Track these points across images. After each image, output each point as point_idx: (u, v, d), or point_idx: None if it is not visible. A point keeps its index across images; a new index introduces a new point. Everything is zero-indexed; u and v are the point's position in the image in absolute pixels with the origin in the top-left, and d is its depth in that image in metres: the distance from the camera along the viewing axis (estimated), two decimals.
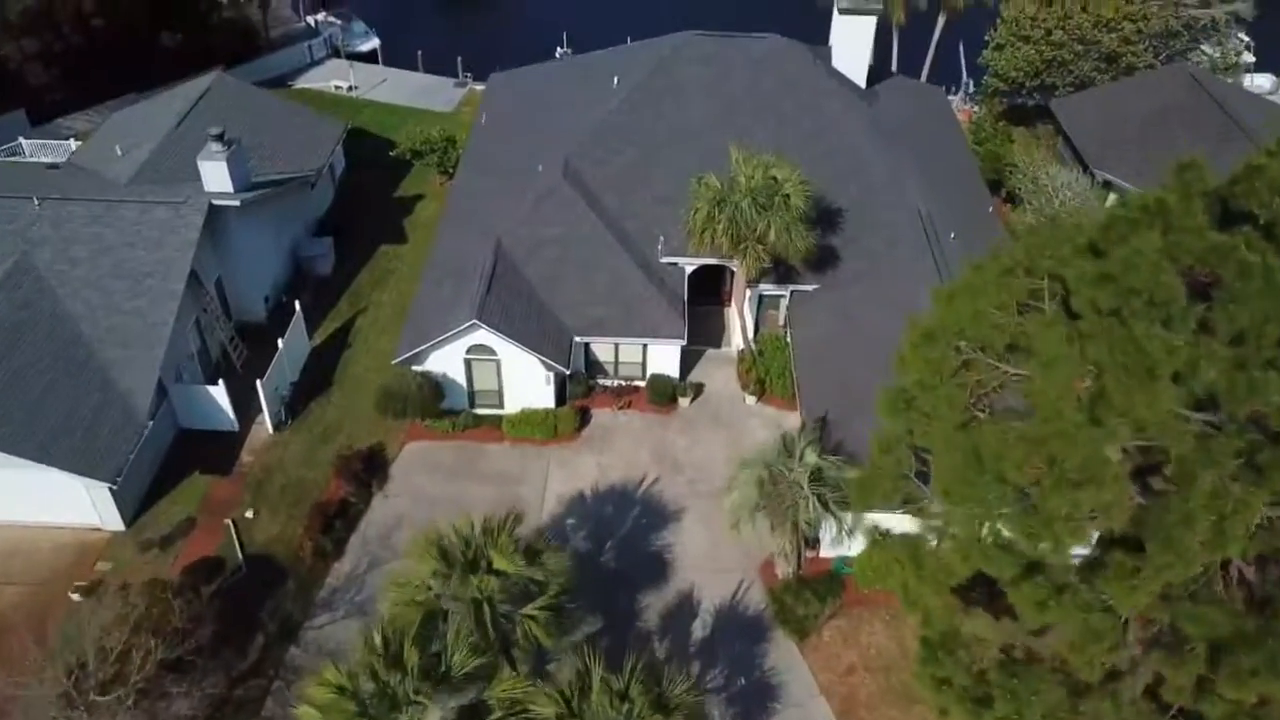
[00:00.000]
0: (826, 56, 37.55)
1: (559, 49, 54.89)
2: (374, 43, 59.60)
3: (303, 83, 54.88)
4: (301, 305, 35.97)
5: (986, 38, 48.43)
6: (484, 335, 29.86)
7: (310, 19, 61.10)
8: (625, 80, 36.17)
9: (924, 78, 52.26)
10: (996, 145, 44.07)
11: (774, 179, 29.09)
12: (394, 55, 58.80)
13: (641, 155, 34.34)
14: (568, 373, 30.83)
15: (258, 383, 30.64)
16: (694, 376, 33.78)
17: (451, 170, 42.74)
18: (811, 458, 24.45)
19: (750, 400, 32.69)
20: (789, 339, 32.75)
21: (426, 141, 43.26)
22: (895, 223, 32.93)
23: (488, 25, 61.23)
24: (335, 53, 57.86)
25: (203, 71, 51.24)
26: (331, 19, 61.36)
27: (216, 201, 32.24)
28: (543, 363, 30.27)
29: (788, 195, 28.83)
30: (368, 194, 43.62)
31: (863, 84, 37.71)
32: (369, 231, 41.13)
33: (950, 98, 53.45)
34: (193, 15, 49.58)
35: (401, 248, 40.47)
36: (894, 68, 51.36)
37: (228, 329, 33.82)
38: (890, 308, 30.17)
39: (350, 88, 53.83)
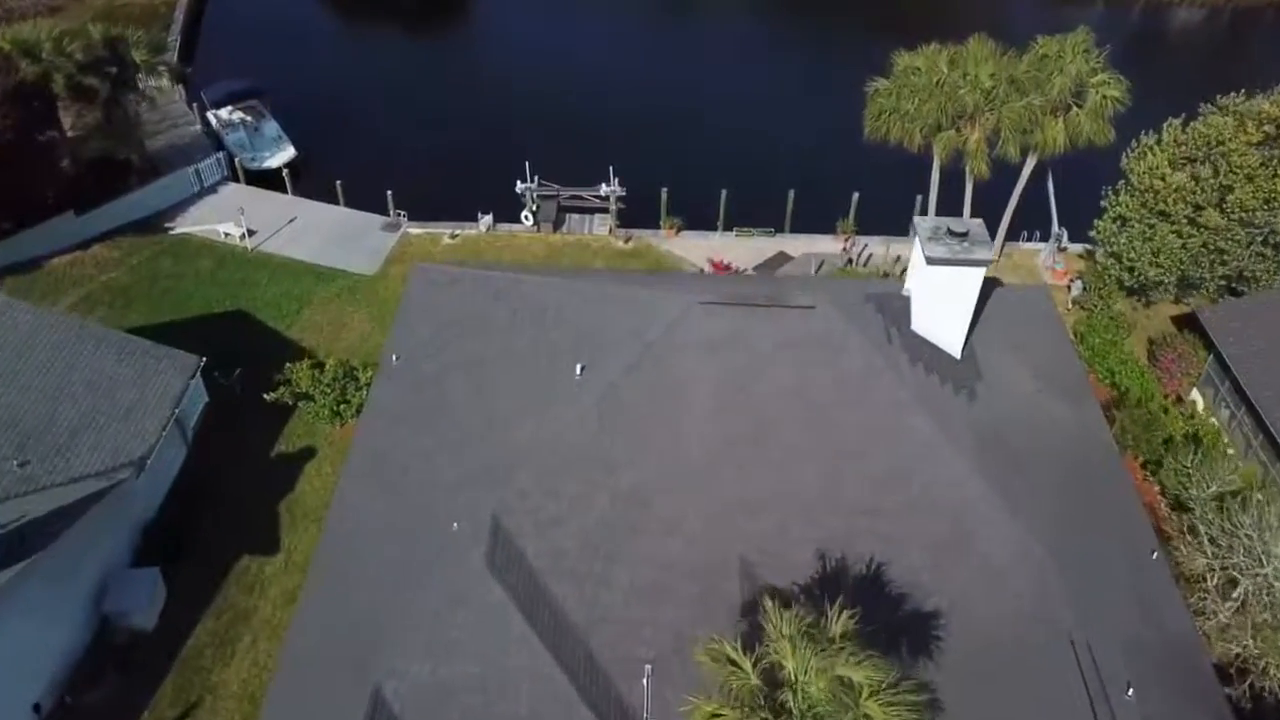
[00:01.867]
0: (901, 313, 24.46)
1: (520, 184, 41.74)
2: (288, 153, 46.28)
3: (185, 224, 41.78)
4: (100, 698, 23.35)
5: (1103, 201, 35.21)
6: None
7: (211, 116, 47.82)
8: (596, 370, 23.14)
9: (1004, 226, 39.40)
10: (1137, 384, 31.33)
11: (844, 682, 16.17)
12: (312, 167, 45.61)
13: (615, 512, 21.49)
14: None
15: None
16: None
17: (358, 409, 29.95)
18: None
19: None
20: None
21: (315, 382, 30.20)
22: (1034, 663, 20.08)
23: (435, 135, 47.88)
24: (234, 173, 44.56)
25: (45, 218, 38.78)
26: (240, 115, 48.06)
27: None
28: None
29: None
30: (234, 452, 30.65)
31: (957, 349, 24.62)
32: (226, 528, 28.30)
33: (1037, 245, 40.78)
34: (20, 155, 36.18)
35: (269, 563, 27.62)
36: (966, 213, 38.47)
37: None
38: None
39: (245, 234, 40.65)
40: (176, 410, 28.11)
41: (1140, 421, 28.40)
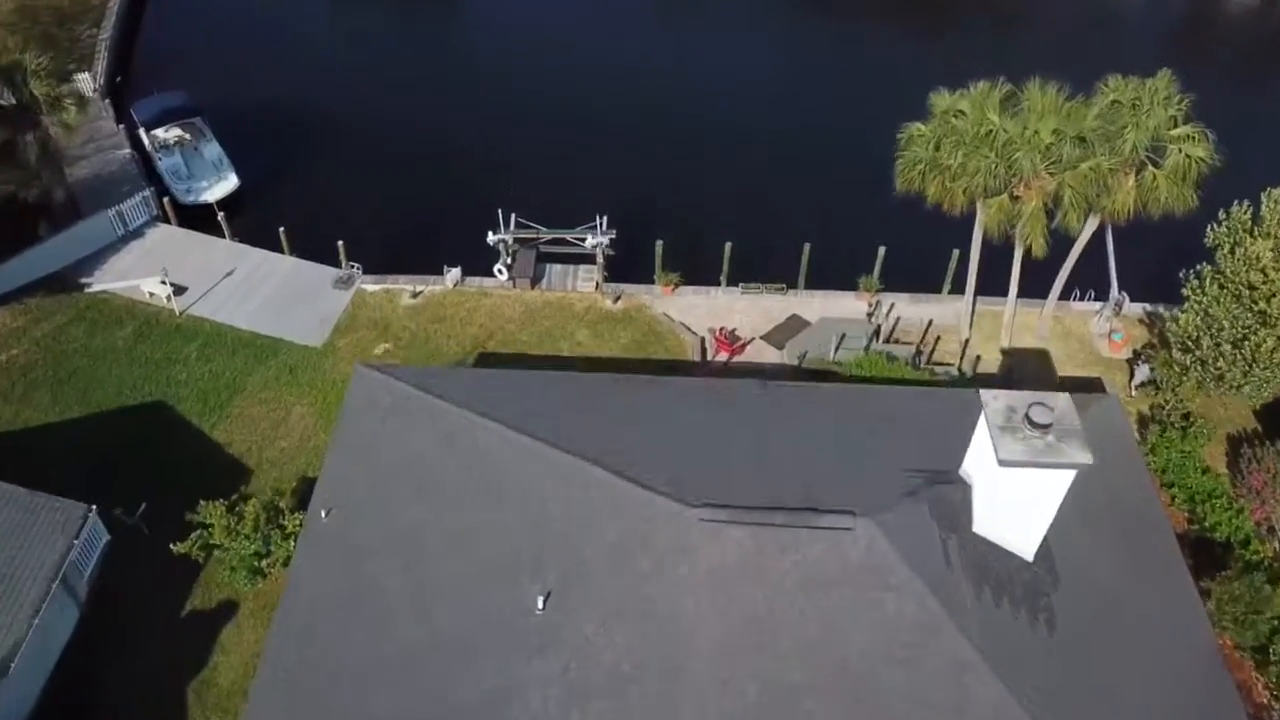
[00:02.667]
0: (960, 509, 19.01)
1: (492, 235, 35.93)
2: (229, 183, 40.42)
3: (104, 279, 36.04)
4: None
5: (1185, 289, 29.44)
6: None
7: (145, 137, 41.73)
8: (565, 604, 17.75)
9: (1056, 290, 33.73)
10: (1225, 521, 26.06)
11: None
12: (255, 201, 39.88)
13: None
14: None
15: None
16: None
17: (285, 560, 24.80)
18: None
19: None
20: None
21: (232, 533, 24.80)
22: None
23: (398, 159, 41.91)
24: (163, 213, 38.65)
25: None
26: (178, 133, 42.05)
27: None
28: None
29: None
30: (139, 609, 25.45)
31: (1030, 552, 19.23)
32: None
33: (1090, 305, 35.20)
34: None
35: None
36: (1015, 278, 32.86)
37: None
38: None
39: (170, 294, 34.91)
40: (54, 584, 22.75)
41: (1242, 600, 23.09)
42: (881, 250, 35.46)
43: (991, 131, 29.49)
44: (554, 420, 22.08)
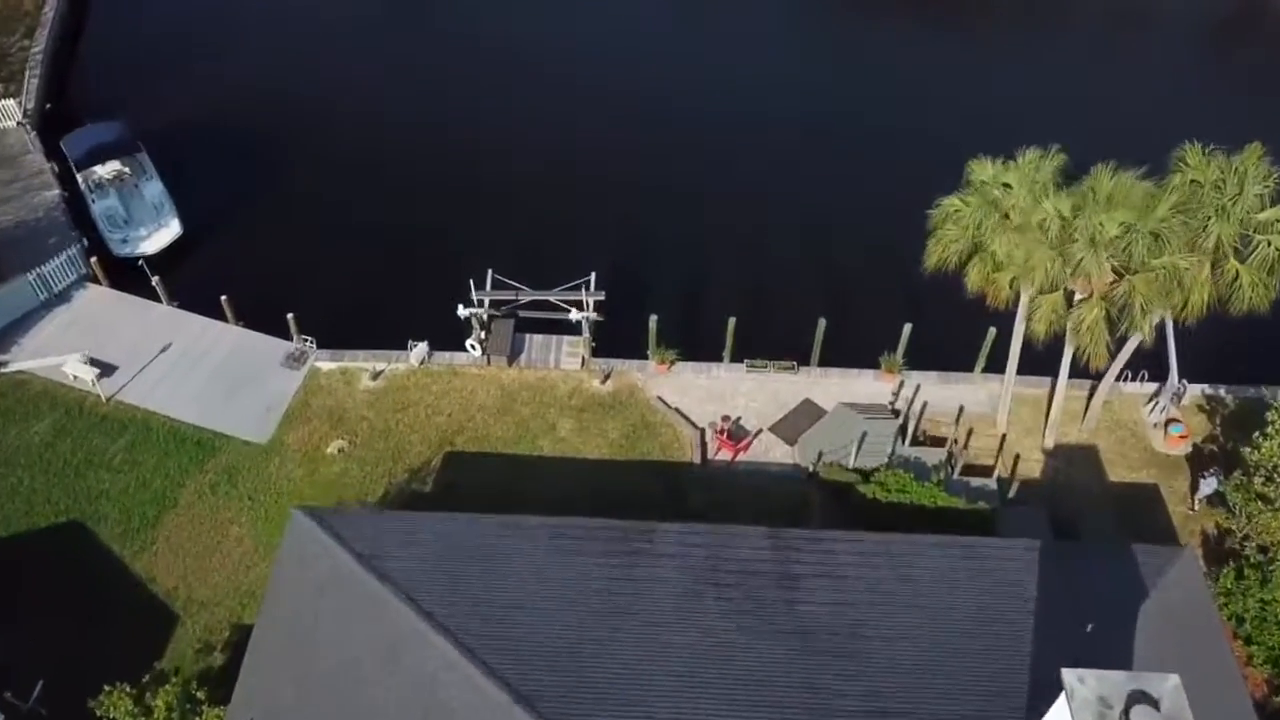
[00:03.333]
0: None
1: (463, 308, 31.47)
2: (171, 231, 35.87)
3: (22, 356, 31.75)
4: None
5: (1269, 413, 25.07)
6: None
7: (78, 176, 37.01)
8: None
9: (1108, 383, 29.59)
10: None
11: None
12: (195, 255, 35.41)
13: None
14: None
15: None
16: None
17: None
18: None
19: None
20: None
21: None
22: None
23: (357, 209, 37.24)
24: (92, 273, 34.09)
25: None
26: (116, 169, 37.35)
27: None
28: None
29: None
30: None
31: None
32: None
33: (1142, 388, 31.05)
34: None
35: None
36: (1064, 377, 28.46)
37: None
38: None
39: (97, 376, 30.54)
40: None
41: None
42: (907, 328, 30.98)
43: (1045, 222, 24.93)
44: (515, 632, 18.10)
